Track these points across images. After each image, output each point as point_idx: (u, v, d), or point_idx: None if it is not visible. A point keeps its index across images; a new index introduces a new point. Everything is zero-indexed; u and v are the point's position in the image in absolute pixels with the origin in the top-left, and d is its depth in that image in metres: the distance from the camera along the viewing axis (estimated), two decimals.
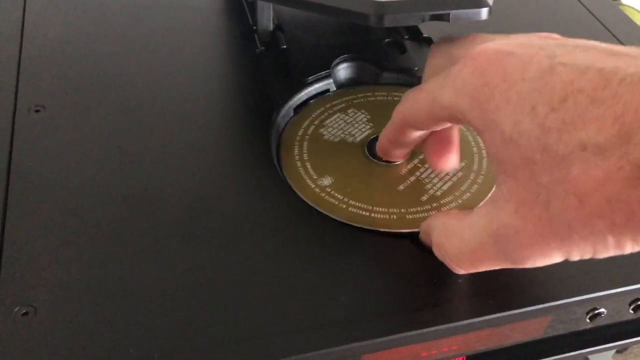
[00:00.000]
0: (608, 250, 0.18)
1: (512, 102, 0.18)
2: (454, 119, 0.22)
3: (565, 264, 0.23)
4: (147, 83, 0.31)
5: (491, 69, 0.19)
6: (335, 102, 0.32)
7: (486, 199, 0.27)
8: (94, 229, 0.24)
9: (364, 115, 0.31)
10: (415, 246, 0.24)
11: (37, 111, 0.29)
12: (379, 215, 0.26)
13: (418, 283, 0.23)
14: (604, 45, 0.19)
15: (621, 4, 0.66)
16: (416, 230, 0.25)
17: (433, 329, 0.21)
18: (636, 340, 0.27)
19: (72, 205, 0.25)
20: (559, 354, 0.27)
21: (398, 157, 0.28)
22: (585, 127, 0.17)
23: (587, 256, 0.19)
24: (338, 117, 0.31)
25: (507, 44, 0.20)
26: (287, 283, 0.22)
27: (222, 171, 0.27)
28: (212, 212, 0.25)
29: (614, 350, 0.27)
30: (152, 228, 0.24)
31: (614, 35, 0.38)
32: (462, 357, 0.26)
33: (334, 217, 0.26)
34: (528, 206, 0.19)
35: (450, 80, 0.21)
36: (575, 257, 0.19)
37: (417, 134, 0.25)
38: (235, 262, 0.23)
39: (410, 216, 0.26)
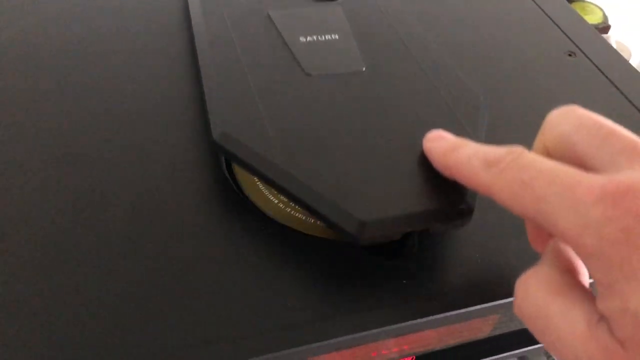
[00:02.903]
0: None
1: None
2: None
3: (509, 263, 0.24)
4: (94, 87, 0.31)
5: (637, 227, 0.15)
6: None
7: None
8: (33, 239, 0.23)
9: None
10: (360, 249, 0.24)
11: None
12: None
13: (363, 285, 0.23)
14: None
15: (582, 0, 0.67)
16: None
17: (377, 330, 0.21)
18: None
19: (9, 213, 0.24)
20: (509, 351, 0.28)
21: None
22: None
23: None
24: None
25: None
26: (230, 289, 0.22)
27: (167, 175, 0.26)
28: (155, 219, 0.24)
29: None
30: (94, 239, 0.24)
31: (565, 35, 0.38)
32: (411, 358, 0.26)
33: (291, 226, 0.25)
34: None
35: (584, 216, 0.16)
36: None
37: None
38: (178, 269, 0.23)
39: None
